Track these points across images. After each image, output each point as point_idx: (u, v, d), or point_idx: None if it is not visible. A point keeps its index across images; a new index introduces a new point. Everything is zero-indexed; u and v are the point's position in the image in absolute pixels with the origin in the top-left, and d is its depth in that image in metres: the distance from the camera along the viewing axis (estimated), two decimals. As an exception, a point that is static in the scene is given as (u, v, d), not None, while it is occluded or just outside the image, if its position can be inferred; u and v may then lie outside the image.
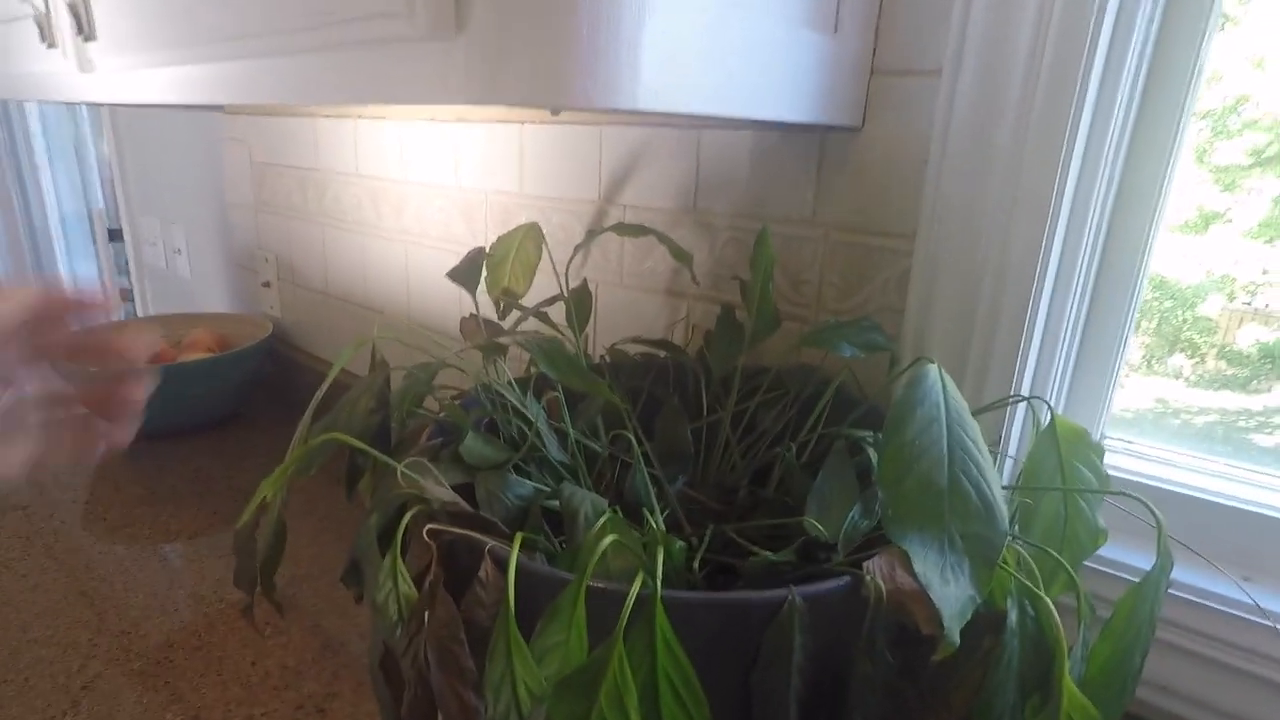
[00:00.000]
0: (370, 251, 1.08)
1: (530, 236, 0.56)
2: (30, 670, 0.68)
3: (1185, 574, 0.48)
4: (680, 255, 0.55)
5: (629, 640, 0.28)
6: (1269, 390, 0.49)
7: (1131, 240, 0.51)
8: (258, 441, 1.17)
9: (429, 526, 0.34)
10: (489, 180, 0.87)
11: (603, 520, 0.36)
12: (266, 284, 1.34)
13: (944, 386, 0.36)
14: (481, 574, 0.34)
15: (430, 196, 0.96)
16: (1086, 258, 0.51)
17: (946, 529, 0.33)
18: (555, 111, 0.77)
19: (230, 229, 1.41)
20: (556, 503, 0.42)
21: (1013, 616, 0.33)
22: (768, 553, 0.38)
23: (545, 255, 0.60)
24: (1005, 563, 0.35)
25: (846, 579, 0.33)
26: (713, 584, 0.44)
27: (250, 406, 1.29)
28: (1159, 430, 0.53)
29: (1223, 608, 0.46)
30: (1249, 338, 0.50)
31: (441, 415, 0.48)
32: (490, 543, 0.35)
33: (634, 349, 0.65)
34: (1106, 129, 0.47)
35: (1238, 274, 0.50)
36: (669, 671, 0.28)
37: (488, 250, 0.56)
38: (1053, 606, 0.32)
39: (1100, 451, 0.42)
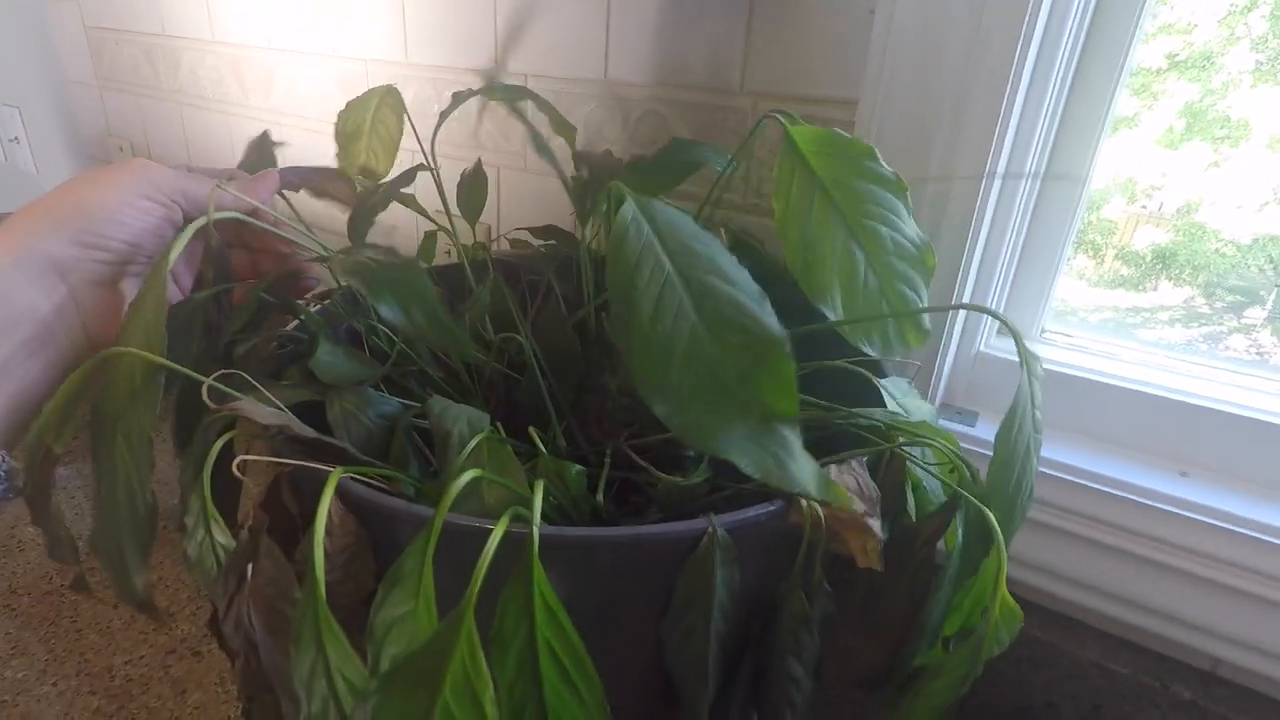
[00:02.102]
0: (238, 135, 0.93)
1: (387, 103, 0.45)
2: None
3: (1123, 471, 0.46)
4: (563, 129, 0.46)
5: (502, 603, 0.21)
6: (1156, 289, 0.52)
7: (1082, 129, 0.46)
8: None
9: (241, 458, 0.26)
10: (369, 48, 0.73)
11: (475, 442, 0.29)
12: (124, 178, 1.16)
13: (649, 221, 0.25)
14: (326, 515, 0.27)
15: (302, 68, 0.81)
16: (1041, 138, 0.45)
17: (739, 400, 0.24)
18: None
19: (74, 112, 1.20)
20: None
21: (961, 530, 0.28)
22: (676, 478, 0.32)
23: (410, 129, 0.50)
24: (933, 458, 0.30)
25: (777, 503, 0.28)
26: (624, 506, 0.38)
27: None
28: (1062, 327, 0.53)
29: (1158, 504, 0.44)
30: (1144, 239, 0.52)
31: (291, 325, 0.39)
32: (332, 472, 0.27)
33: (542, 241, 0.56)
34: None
35: (1139, 177, 0.51)
36: (551, 641, 0.22)
37: (335, 121, 0.45)
38: (989, 514, 0.27)
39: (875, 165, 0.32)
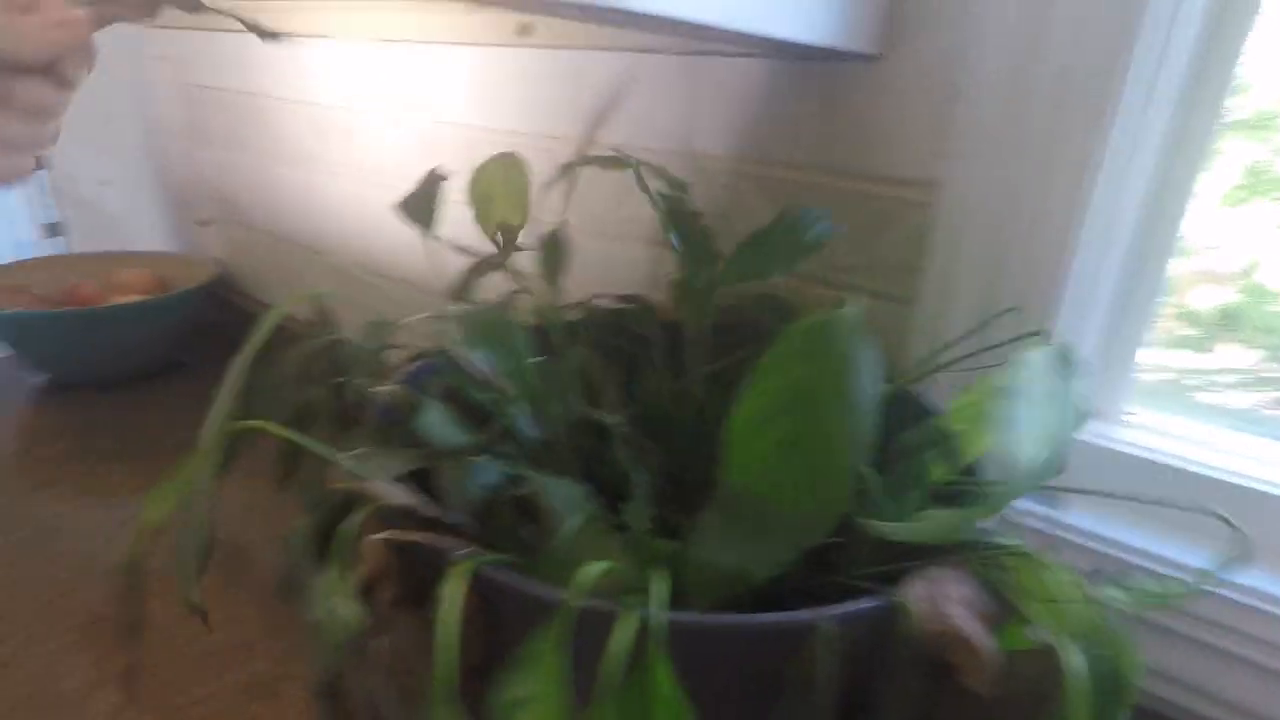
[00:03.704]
0: (317, 189, 0.98)
1: (513, 165, 0.48)
2: (-66, 649, 0.61)
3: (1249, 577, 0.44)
4: (674, 184, 0.47)
5: (625, 695, 0.22)
6: (1217, 351, 0.50)
7: (1171, 201, 0.46)
8: (200, 393, 1.08)
9: (385, 534, 0.27)
10: (451, 112, 0.77)
11: (579, 522, 0.30)
12: (204, 222, 1.23)
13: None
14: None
15: (384, 128, 0.86)
16: (1129, 224, 0.46)
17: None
18: (522, 32, 0.68)
19: (163, 160, 1.28)
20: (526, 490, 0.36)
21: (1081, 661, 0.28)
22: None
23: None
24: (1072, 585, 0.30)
25: (880, 603, 0.28)
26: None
27: (191, 355, 1.19)
28: (1140, 408, 0.52)
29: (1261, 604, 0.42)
30: (1204, 299, 0.51)
31: (391, 387, 0.41)
32: (462, 551, 0.29)
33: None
34: (1159, 66, 0.41)
35: (1200, 237, 0.50)
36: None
37: (469, 185, 0.48)
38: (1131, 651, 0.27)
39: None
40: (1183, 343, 0.51)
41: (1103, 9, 0.40)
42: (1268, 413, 0.48)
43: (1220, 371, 0.51)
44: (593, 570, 0.24)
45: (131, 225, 1.45)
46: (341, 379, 0.41)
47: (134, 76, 1.25)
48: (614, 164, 0.50)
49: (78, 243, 1.71)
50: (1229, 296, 0.50)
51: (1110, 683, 0.27)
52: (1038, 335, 0.31)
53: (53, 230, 2.07)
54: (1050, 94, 0.42)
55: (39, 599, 0.66)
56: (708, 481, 0.46)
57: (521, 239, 0.50)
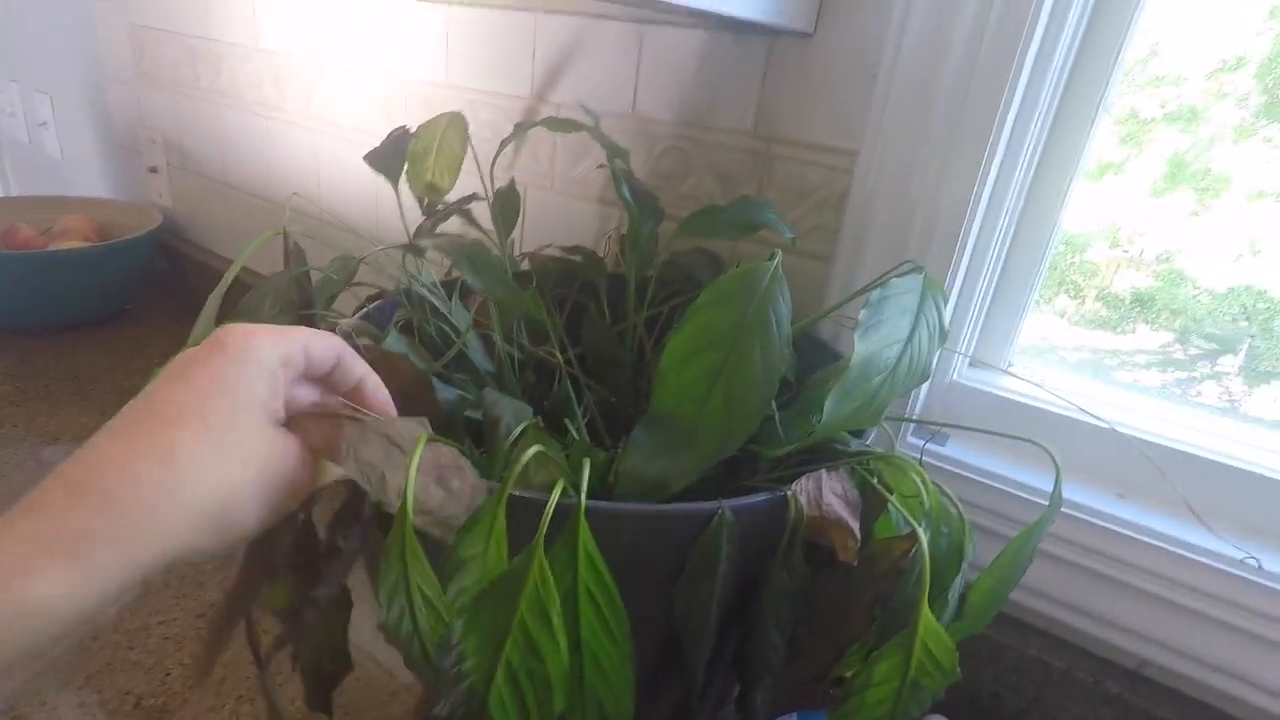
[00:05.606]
0: (274, 137, 0.98)
1: (454, 126, 0.51)
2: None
3: (1068, 491, 0.52)
4: (615, 151, 0.51)
5: (550, 553, 0.27)
6: (1134, 332, 0.53)
7: (1055, 180, 0.52)
8: (147, 340, 1.08)
9: (342, 410, 0.31)
10: (410, 69, 0.79)
11: (521, 428, 0.34)
12: (153, 169, 1.21)
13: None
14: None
15: (343, 81, 0.87)
16: (1015, 194, 0.52)
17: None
18: (484, -9, 0.70)
19: (107, 103, 1.25)
20: (478, 414, 0.40)
21: (925, 539, 0.34)
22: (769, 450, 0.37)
23: (470, 151, 0.56)
24: (920, 482, 0.36)
25: (773, 495, 0.34)
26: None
27: (138, 303, 1.19)
28: (1040, 364, 0.57)
29: (1098, 521, 0.50)
30: (1125, 283, 0.54)
31: (354, 317, 0.45)
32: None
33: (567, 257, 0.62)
34: (1049, 63, 0.47)
35: (1124, 223, 0.53)
36: (590, 586, 0.28)
37: (404, 138, 0.51)
38: (968, 527, 0.33)
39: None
40: (1102, 323, 0.56)
41: (1000, 7, 0.45)
42: (1176, 392, 0.53)
43: (1134, 353, 0.55)
44: (529, 450, 0.29)
45: (72, 170, 1.41)
46: (310, 310, 0.44)
47: (78, 16, 1.21)
48: (571, 126, 0.54)
49: (10, 186, 1.65)
50: (1147, 282, 0.53)
51: (951, 555, 0.33)
52: (911, 264, 0.36)
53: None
54: (954, 81, 0.47)
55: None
56: (641, 414, 0.51)
57: (450, 199, 0.53)
